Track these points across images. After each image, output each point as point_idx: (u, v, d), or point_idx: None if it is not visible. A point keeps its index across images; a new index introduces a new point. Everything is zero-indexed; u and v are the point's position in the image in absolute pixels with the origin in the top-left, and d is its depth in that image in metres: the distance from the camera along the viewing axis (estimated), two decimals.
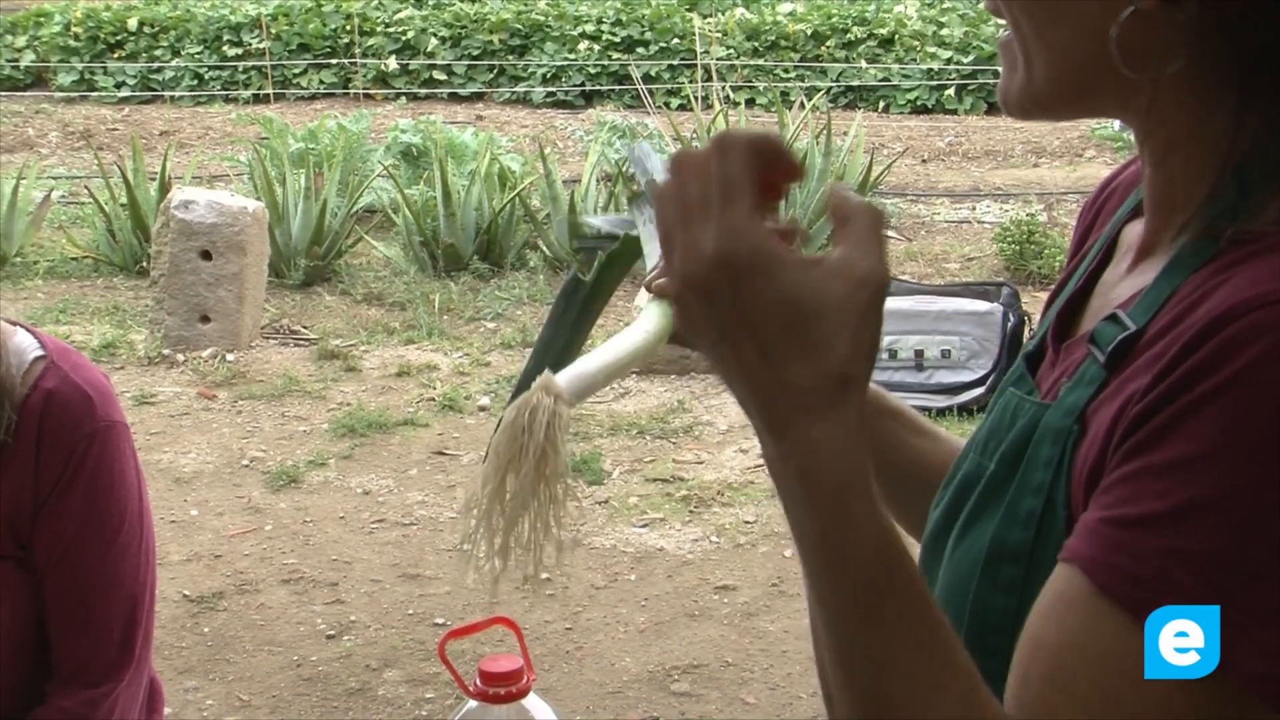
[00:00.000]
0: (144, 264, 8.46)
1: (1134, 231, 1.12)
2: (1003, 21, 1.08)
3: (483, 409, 6.76)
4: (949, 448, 1.34)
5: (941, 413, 6.63)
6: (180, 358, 7.36)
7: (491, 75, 14.85)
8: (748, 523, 5.57)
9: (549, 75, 14.66)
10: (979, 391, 6.63)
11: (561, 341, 1.15)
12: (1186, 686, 0.86)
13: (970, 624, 1.05)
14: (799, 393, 0.88)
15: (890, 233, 9.68)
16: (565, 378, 0.95)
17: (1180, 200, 1.02)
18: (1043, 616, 0.92)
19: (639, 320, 1.01)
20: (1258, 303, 0.87)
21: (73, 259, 9.21)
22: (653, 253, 1.07)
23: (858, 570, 0.88)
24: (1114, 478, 0.91)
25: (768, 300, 0.88)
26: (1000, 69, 1.10)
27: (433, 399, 6.87)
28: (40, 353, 2.04)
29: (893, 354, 6.76)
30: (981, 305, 6.88)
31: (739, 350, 0.89)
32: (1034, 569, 1.00)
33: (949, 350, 6.77)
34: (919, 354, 6.78)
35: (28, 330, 2.09)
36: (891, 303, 6.90)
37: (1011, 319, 6.78)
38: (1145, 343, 0.96)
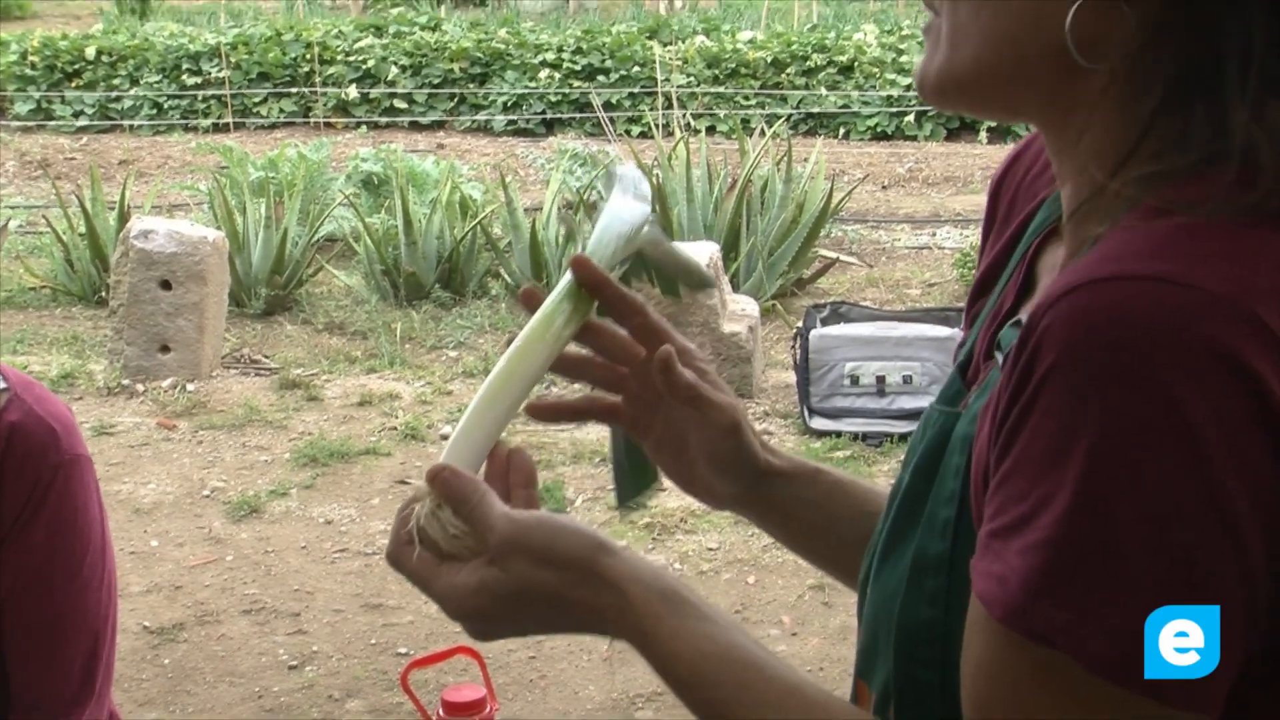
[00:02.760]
0: (103, 294, 8.43)
1: (1051, 261, 1.11)
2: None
3: (445, 437, 6.75)
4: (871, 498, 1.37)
5: (904, 437, 6.64)
6: (140, 388, 7.33)
7: (452, 103, 14.86)
8: (710, 549, 5.57)
9: (510, 103, 14.67)
10: None
11: None
12: (1060, 682, 0.87)
13: (899, 636, 1.07)
14: (588, 609, 1.10)
15: (852, 259, 9.72)
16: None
17: (1085, 206, 1.01)
18: (966, 643, 0.94)
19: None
20: (1060, 292, 0.87)
21: (30, 289, 9.17)
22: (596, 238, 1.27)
23: (691, 690, 1.07)
24: (991, 488, 0.92)
25: (520, 599, 1.11)
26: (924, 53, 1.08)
27: (395, 428, 6.86)
28: (3, 385, 2.04)
29: (854, 380, 6.78)
30: (942, 331, 6.90)
31: (537, 625, 1.15)
32: (956, 578, 1.01)
33: (910, 376, 6.80)
34: (881, 380, 6.80)
35: None
36: (853, 329, 6.95)
37: None
38: None
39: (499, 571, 1.10)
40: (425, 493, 1.14)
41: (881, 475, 6.29)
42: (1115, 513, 0.85)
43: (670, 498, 6.01)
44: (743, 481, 1.35)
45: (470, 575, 1.11)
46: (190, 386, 7.35)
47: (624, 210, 1.29)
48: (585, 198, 9.62)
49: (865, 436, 6.68)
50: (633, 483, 1.35)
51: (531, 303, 1.23)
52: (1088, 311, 0.86)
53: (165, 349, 7.44)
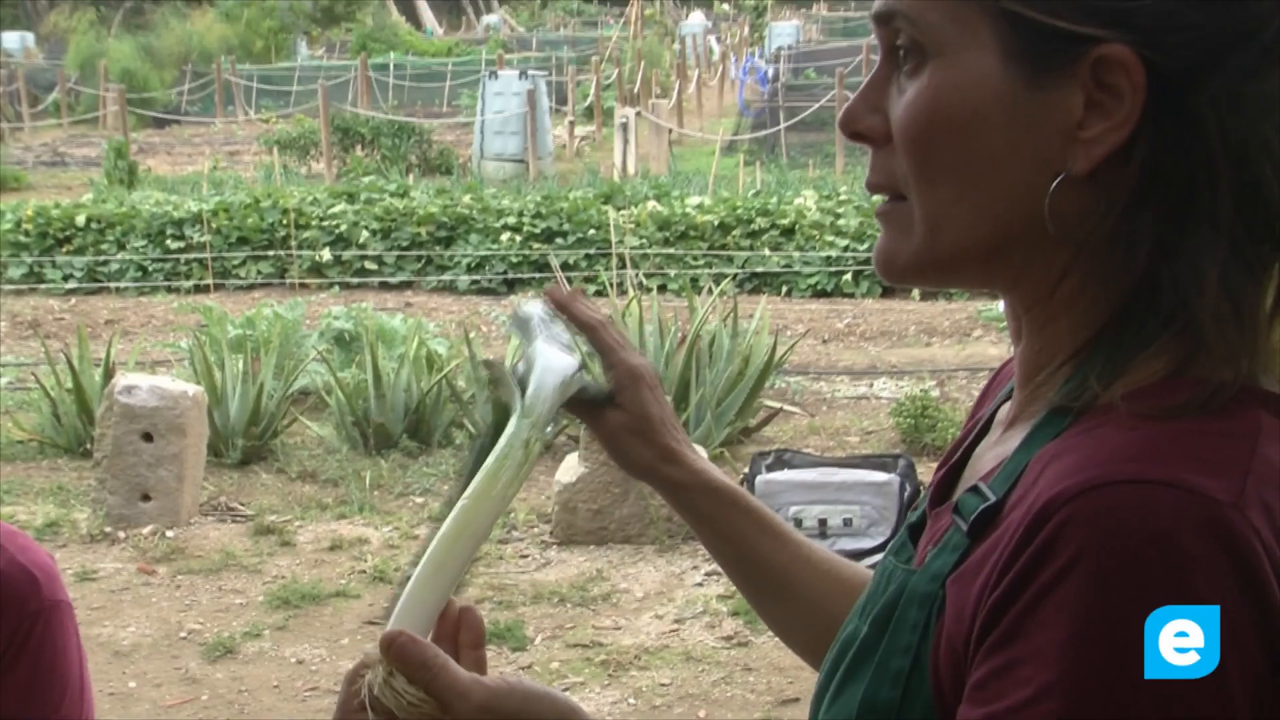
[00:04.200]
0: (87, 446, 8.38)
1: (1008, 409, 1.12)
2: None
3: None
4: (798, 552, 1.39)
5: None
6: (122, 535, 7.26)
7: (419, 265, 14.92)
8: (664, 685, 5.53)
9: (473, 264, 14.75)
10: (880, 557, 6.63)
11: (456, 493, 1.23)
12: None
13: None
14: None
15: (794, 409, 9.74)
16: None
17: (1047, 371, 1.03)
18: None
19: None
20: (1078, 489, 0.89)
21: (19, 442, 9.10)
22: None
23: None
24: (978, 675, 0.92)
25: None
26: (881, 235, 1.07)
27: (364, 571, 6.81)
28: None
29: (799, 523, 6.78)
30: (880, 476, 6.92)
31: None
32: None
33: (850, 519, 6.80)
34: (823, 522, 6.80)
35: None
36: (796, 474, 6.95)
37: (908, 488, 6.82)
38: (1004, 514, 0.96)
39: None
40: (376, 659, 1.09)
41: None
42: (1128, 704, 0.86)
43: (625, 635, 5.97)
44: (649, 449, 1.39)
45: None
46: (170, 533, 7.28)
47: (555, 361, 1.28)
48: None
49: None
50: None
51: (557, 302, 1.35)
52: (1111, 515, 0.87)
53: (146, 498, 7.39)
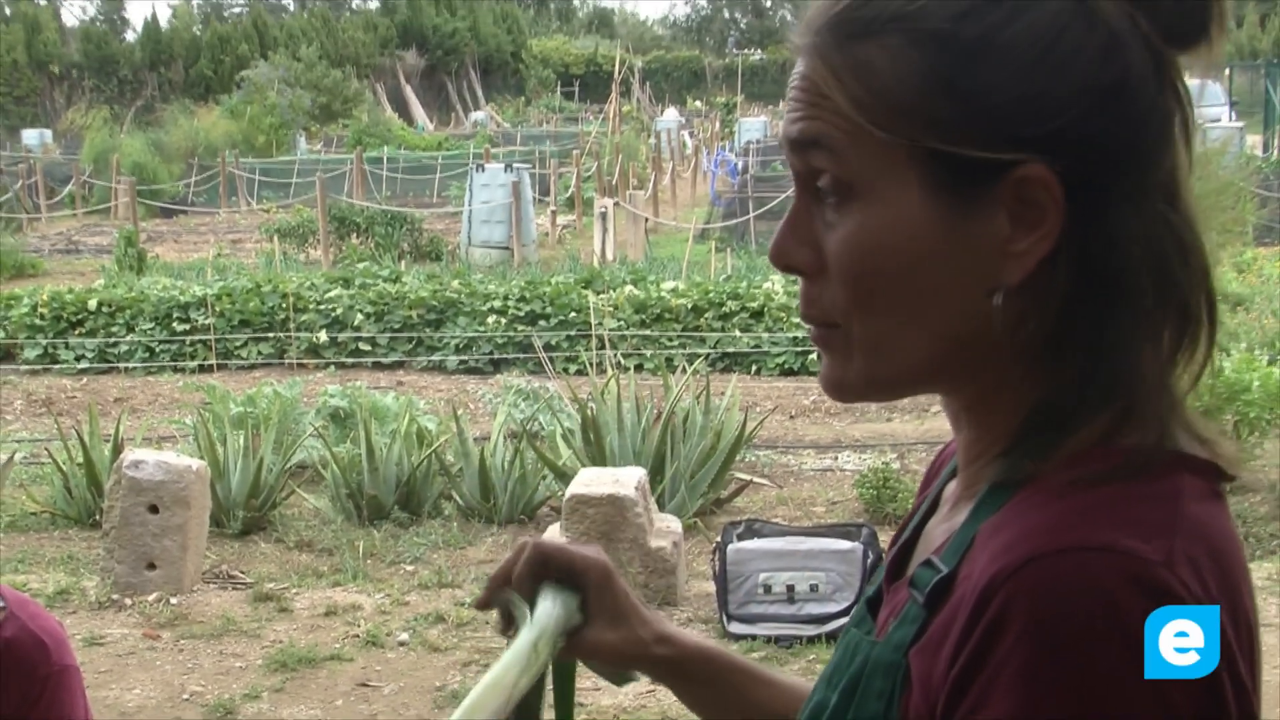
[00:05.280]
0: (96, 517, 8.34)
1: (954, 486, 1.14)
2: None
3: (402, 644, 6.66)
4: (790, 692, 1.36)
5: (811, 640, 6.62)
6: (128, 602, 7.22)
7: (410, 345, 14.92)
8: None
9: (461, 345, 14.75)
10: (843, 621, 6.62)
11: None
12: None
13: None
14: None
15: (764, 480, 9.74)
16: None
17: (988, 450, 1.04)
18: None
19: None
20: (1019, 563, 0.90)
21: (32, 513, 9.07)
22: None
23: None
24: None
25: None
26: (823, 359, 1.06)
27: (357, 635, 6.77)
28: (1, 604, 2.02)
29: (767, 589, 6.76)
30: (844, 544, 6.91)
31: None
32: None
33: (817, 585, 6.78)
34: (790, 588, 6.78)
35: None
36: (765, 543, 6.94)
37: (871, 556, 6.81)
38: (956, 584, 0.97)
39: None
40: None
41: (793, 674, 6.23)
42: None
43: (603, 695, 5.93)
44: (637, 635, 1.27)
45: None
46: (174, 600, 7.24)
47: (545, 610, 1.22)
48: (527, 428, 9.64)
49: (777, 639, 6.65)
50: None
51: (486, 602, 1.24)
52: (1052, 585, 0.89)
53: (152, 566, 7.35)
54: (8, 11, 63.75)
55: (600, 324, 13.96)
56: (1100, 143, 0.97)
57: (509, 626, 1.22)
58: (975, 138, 0.97)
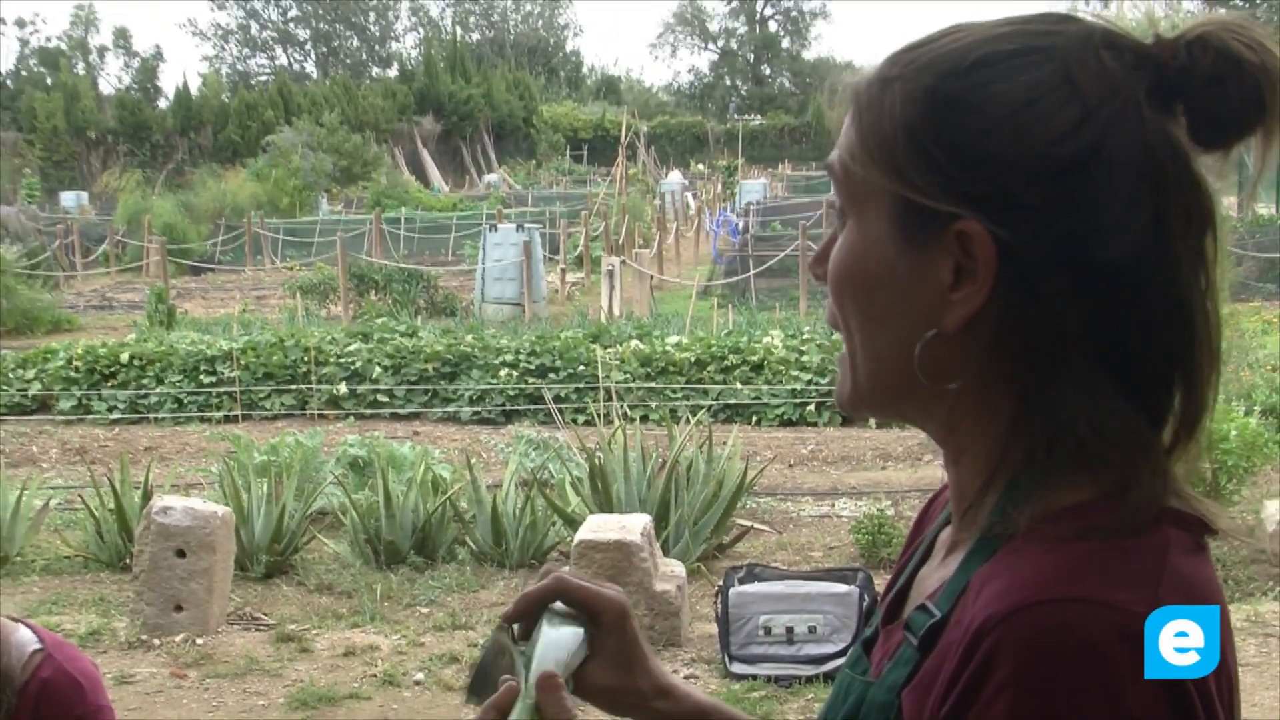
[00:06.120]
0: (127, 561, 8.33)
1: (947, 534, 1.14)
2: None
3: (418, 683, 6.64)
4: None
5: (810, 680, 6.59)
6: (156, 642, 7.20)
7: (426, 397, 14.93)
8: None
9: (475, 397, 14.76)
10: (840, 661, 6.59)
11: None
12: None
13: None
14: None
15: (764, 527, 9.72)
16: None
17: (971, 503, 1.05)
18: None
19: None
20: (1007, 611, 0.91)
21: (65, 557, 9.06)
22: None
23: None
24: None
25: None
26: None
27: (375, 675, 6.75)
28: (38, 646, 2.03)
29: (768, 631, 6.74)
30: (841, 588, 6.90)
31: None
32: None
33: (815, 626, 6.76)
34: (789, 630, 6.76)
35: (28, 627, 2.08)
36: (765, 586, 6.92)
37: (866, 599, 6.79)
38: (948, 628, 0.98)
39: None
40: None
41: (792, 712, 6.21)
42: None
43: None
44: (640, 684, 1.21)
45: None
46: (199, 641, 7.22)
47: (556, 638, 1.17)
48: (538, 477, 9.63)
49: (777, 679, 6.63)
50: (483, 683, 1.15)
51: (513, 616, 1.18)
52: (1040, 633, 0.90)
53: (179, 608, 7.34)
54: (49, 81, 64.18)
55: (607, 377, 13.97)
56: (1042, 211, 0.97)
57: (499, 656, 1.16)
58: (925, 187, 0.99)
